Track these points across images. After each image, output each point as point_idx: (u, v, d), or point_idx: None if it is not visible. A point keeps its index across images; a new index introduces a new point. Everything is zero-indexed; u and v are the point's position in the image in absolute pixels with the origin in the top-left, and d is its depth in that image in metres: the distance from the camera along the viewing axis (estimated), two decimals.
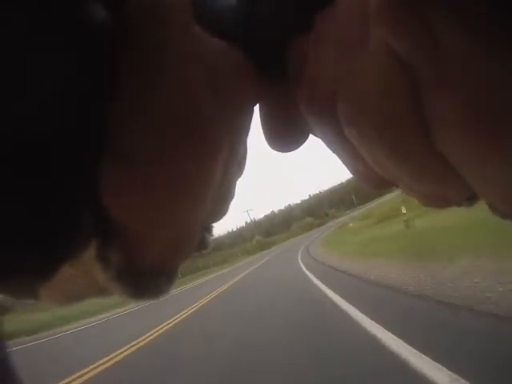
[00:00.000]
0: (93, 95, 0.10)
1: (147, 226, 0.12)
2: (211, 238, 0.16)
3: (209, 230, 0.16)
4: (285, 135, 0.16)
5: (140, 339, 4.99)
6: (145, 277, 0.13)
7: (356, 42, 0.12)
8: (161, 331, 5.38)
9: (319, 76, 0.14)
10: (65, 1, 0.10)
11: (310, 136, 0.16)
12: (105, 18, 0.10)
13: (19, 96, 0.09)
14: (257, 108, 0.16)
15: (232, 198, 0.16)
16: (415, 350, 2.01)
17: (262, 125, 0.16)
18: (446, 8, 0.09)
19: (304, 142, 0.16)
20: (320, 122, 0.14)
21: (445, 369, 1.70)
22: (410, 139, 0.11)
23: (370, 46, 0.11)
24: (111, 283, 0.13)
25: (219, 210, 0.16)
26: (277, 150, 0.17)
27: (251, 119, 0.15)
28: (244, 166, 0.17)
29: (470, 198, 0.13)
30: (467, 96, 0.09)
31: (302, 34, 0.14)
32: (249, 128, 0.15)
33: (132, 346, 4.70)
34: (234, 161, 0.15)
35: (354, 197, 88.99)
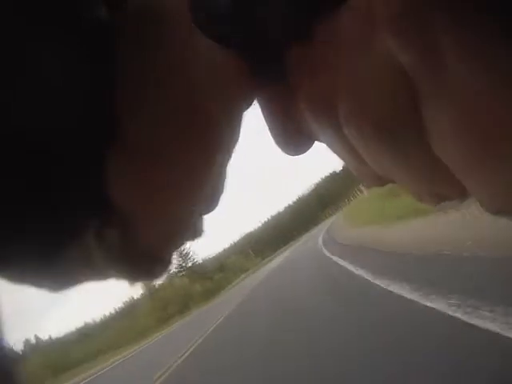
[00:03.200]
0: (100, 90, 0.11)
1: (148, 212, 0.13)
2: (204, 227, 0.17)
3: (201, 220, 0.17)
4: (287, 136, 0.16)
5: None
6: (141, 260, 0.14)
7: (358, 47, 0.12)
8: None
9: (320, 77, 0.14)
10: (72, 2, 0.10)
11: None
12: (109, 18, 0.11)
13: (34, 88, 0.10)
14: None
15: (223, 191, 0.17)
16: None
17: (267, 125, 0.17)
18: (452, 26, 0.09)
19: (310, 144, 0.17)
20: (320, 123, 0.15)
21: None
22: (407, 141, 0.12)
23: (372, 51, 0.12)
24: (109, 265, 0.13)
25: (212, 202, 0.16)
26: (285, 153, 0.17)
27: (242, 118, 0.16)
28: (230, 161, 0.17)
29: (462, 196, 0.13)
30: (464, 109, 0.10)
31: (303, 36, 0.14)
32: (240, 127, 0.16)
33: None
34: (229, 156, 0.16)
35: (251, 251, 72.37)
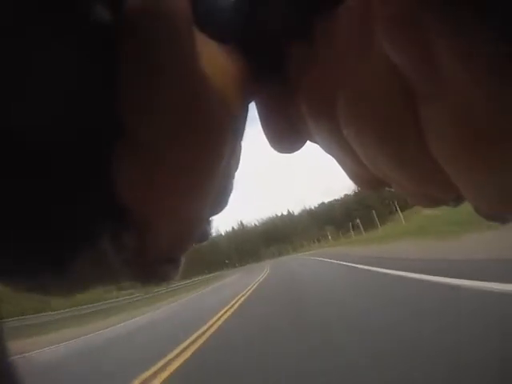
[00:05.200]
0: (101, 90, 0.11)
1: (158, 212, 0.13)
2: (211, 230, 0.17)
3: (209, 222, 0.17)
4: (283, 136, 0.17)
5: None
6: (153, 264, 0.14)
7: (357, 47, 0.12)
8: None
9: (319, 77, 0.14)
10: (72, 2, 0.10)
11: None
12: (109, 18, 0.11)
13: (34, 88, 0.10)
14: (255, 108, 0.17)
15: (231, 190, 0.17)
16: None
17: (262, 125, 0.17)
18: (447, 27, 0.10)
19: (303, 144, 0.17)
20: (320, 124, 0.15)
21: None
22: (405, 142, 0.12)
23: (371, 52, 0.12)
24: (123, 268, 0.13)
25: (220, 202, 0.16)
26: (277, 150, 0.17)
27: (246, 118, 0.16)
28: (239, 161, 0.17)
29: (457, 199, 0.13)
30: (460, 111, 0.10)
31: (303, 36, 0.15)
32: (244, 127, 0.16)
33: None
34: (234, 155, 0.16)
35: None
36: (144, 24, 0.11)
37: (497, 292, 2.70)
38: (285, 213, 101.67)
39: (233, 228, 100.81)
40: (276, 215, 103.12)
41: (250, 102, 0.16)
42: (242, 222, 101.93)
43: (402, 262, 6.30)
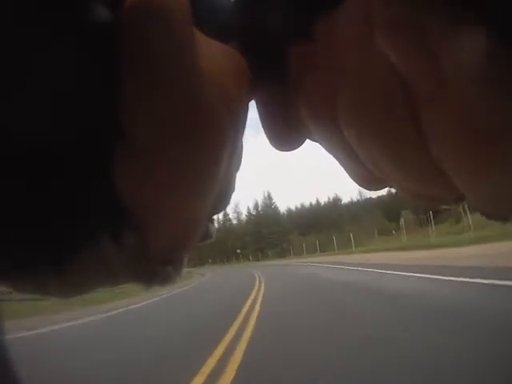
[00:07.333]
0: (101, 90, 0.11)
1: (158, 212, 0.13)
2: (214, 228, 0.17)
3: (212, 221, 0.17)
4: (283, 135, 0.17)
5: None
6: (154, 264, 0.14)
7: (357, 48, 0.13)
8: None
9: (319, 77, 0.14)
10: (71, 2, 0.10)
11: None
12: (109, 17, 0.11)
13: (33, 88, 0.10)
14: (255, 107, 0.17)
15: (233, 190, 0.17)
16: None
17: (261, 123, 0.17)
18: (448, 29, 0.10)
19: (302, 143, 0.17)
20: (320, 125, 0.15)
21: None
22: (406, 144, 0.12)
23: (370, 53, 0.12)
24: (125, 269, 0.13)
25: (222, 201, 0.17)
26: (277, 149, 0.18)
27: (246, 117, 0.16)
28: (241, 160, 0.17)
29: (458, 199, 0.13)
30: (461, 112, 0.10)
31: (303, 36, 0.15)
32: (244, 126, 0.16)
33: None
34: (235, 154, 0.16)
35: None
36: (143, 24, 0.11)
37: None
38: (326, 200, 74.24)
39: (256, 202, 70.73)
40: (316, 202, 75.83)
41: (250, 100, 0.16)
42: (269, 195, 70.77)
43: None
